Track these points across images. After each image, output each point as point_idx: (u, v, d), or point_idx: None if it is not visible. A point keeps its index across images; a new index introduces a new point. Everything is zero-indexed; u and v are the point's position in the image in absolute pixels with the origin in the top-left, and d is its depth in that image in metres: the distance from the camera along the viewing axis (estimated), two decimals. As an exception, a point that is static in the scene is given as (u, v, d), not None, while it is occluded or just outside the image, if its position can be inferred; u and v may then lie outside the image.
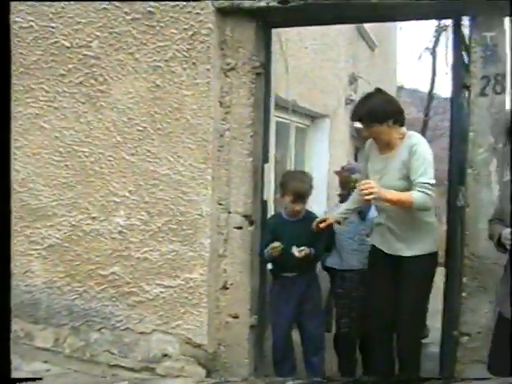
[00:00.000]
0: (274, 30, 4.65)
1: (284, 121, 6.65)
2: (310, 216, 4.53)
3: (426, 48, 19.52)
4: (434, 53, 19.17)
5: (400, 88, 20.88)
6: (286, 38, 5.77)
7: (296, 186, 4.38)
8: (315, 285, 4.57)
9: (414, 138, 4.05)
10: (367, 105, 4.09)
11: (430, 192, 3.79)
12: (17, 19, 4.61)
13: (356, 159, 9.10)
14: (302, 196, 4.38)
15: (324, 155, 7.47)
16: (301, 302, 4.48)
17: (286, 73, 5.82)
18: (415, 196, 3.80)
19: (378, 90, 4.25)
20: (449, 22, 11.93)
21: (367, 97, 4.21)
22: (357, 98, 8.66)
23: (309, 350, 4.57)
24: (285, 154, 6.88)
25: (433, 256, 4.11)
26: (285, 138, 6.83)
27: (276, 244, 4.27)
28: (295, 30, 6.02)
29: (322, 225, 4.40)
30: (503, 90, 3.78)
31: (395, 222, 4.15)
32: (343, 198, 4.96)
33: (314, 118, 7.51)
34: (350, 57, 8.49)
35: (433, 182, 3.81)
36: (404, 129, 4.14)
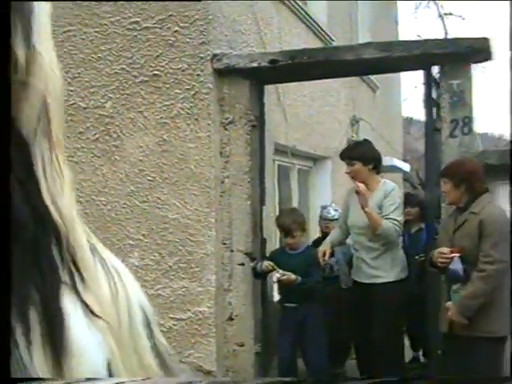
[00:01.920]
0: (274, 85, 5.20)
1: (286, 164, 7.14)
2: (308, 250, 4.98)
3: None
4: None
5: (409, 121, 21.30)
6: (284, 89, 6.30)
7: (280, 221, 4.92)
8: (314, 315, 4.91)
9: (389, 185, 4.86)
10: (357, 147, 4.77)
11: (397, 227, 4.57)
12: (39, 86, 5.19)
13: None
14: (286, 230, 4.84)
15: (327, 194, 7.92)
16: (300, 332, 4.85)
17: (285, 121, 6.34)
18: (384, 222, 4.54)
19: (366, 140, 4.96)
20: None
21: (357, 143, 4.89)
22: (358, 138, 9.20)
23: (310, 377, 4.92)
24: (288, 195, 7.35)
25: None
26: (287, 180, 7.32)
27: (266, 263, 4.70)
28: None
29: (326, 257, 4.93)
30: (470, 131, 4.26)
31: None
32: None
33: (315, 160, 7.99)
34: (350, 100, 9.00)
35: (400, 219, 4.61)
36: (379, 177, 4.78)
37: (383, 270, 4.74)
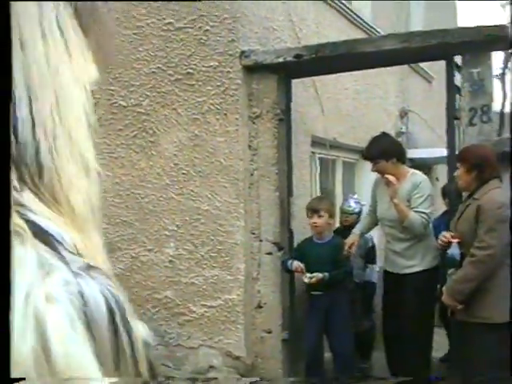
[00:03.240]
0: (309, 78, 5.32)
1: (330, 157, 7.23)
2: (335, 241, 5.07)
3: (495, 75, 19.59)
4: (503, 78, 19.31)
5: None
6: (322, 83, 6.39)
7: (308, 204, 5.01)
8: (340, 303, 5.00)
9: (418, 177, 4.83)
10: (375, 145, 4.78)
11: (424, 220, 4.56)
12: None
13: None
14: (312, 209, 4.96)
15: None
16: (326, 318, 4.96)
17: (323, 114, 6.44)
18: (412, 215, 4.52)
19: (384, 134, 4.92)
20: None
21: (375, 139, 4.90)
22: (407, 130, 9.15)
23: (337, 365, 4.98)
24: (332, 187, 7.43)
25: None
26: (331, 173, 7.40)
27: (296, 263, 4.81)
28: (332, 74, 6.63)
29: (353, 248, 4.98)
30: (489, 120, 4.25)
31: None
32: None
33: (361, 152, 8.02)
34: (400, 92, 8.97)
35: (428, 211, 4.58)
36: (407, 167, 4.76)
37: (416, 259, 4.75)
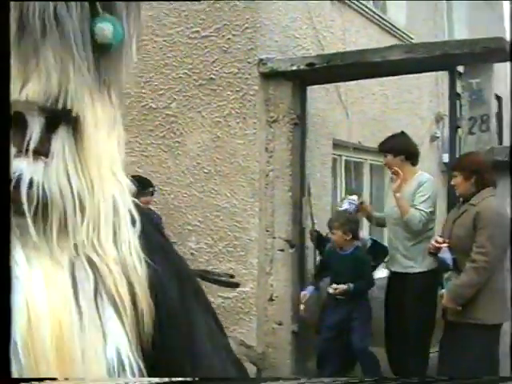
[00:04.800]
0: (334, 84, 5.59)
1: (356, 159, 7.46)
2: (356, 252, 5.18)
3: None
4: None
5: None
6: (347, 88, 6.63)
7: (329, 220, 5.26)
8: (364, 309, 5.09)
9: (423, 177, 4.97)
10: (388, 140, 5.02)
11: (423, 218, 4.68)
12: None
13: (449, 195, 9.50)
14: (328, 226, 5.20)
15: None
16: (345, 317, 5.04)
17: (347, 118, 6.68)
18: (412, 210, 4.72)
19: (402, 133, 5.10)
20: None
21: (392, 135, 5.08)
22: (442, 134, 9.23)
23: (362, 361, 5.07)
24: (360, 190, 7.64)
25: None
26: (358, 175, 7.62)
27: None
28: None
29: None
30: (488, 129, 4.42)
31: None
32: None
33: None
34: (434, 97, 9.08)
35: (428, 211, 4.72)
36: (416, 168, 4.94)
37: (416, 260, 4.89)
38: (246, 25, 5.37)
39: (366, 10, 7.22)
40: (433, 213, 4.90)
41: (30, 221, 0.86)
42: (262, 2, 5.44)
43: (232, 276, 5.18)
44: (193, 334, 1.03)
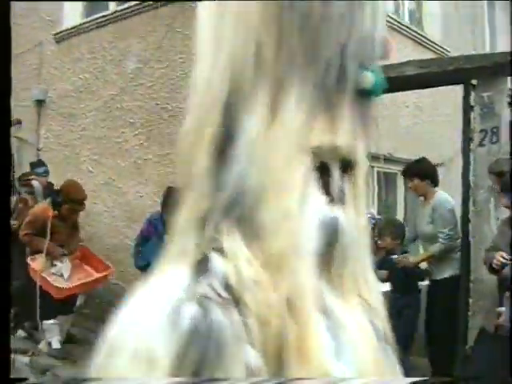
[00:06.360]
0: None
1: (391, 171, 7.58)
2: (388, 259, 5.52)
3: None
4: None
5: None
6: (379, 98, 6.74)
7: None
8: (414, 303, 5.42)
9: (439, 196, 5.35)
10: (415, 166, 5.47)
11: (444, 241, 5.11)
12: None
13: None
14: (378, 234, 5.60)
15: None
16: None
17: (377, 129, 6.79)
18: (434, 249, 5.19)
19: (424, 158, 5.57)
20: None
21: (417, 161, 5.56)
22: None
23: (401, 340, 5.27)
24: (394, 201, 7.76)
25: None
26: (392, 187, 7.73)
27: None
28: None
29: None
30: (498, 141, 4.54)
31: None
32: None
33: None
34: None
35: (445, 231, 5.11)
36: (436, 189, 5.38)
37: (445, 265, 5.19)
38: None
39: (403, 26, 7.36)
40: (455, 226, 5.19)
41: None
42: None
43: None
44: None
